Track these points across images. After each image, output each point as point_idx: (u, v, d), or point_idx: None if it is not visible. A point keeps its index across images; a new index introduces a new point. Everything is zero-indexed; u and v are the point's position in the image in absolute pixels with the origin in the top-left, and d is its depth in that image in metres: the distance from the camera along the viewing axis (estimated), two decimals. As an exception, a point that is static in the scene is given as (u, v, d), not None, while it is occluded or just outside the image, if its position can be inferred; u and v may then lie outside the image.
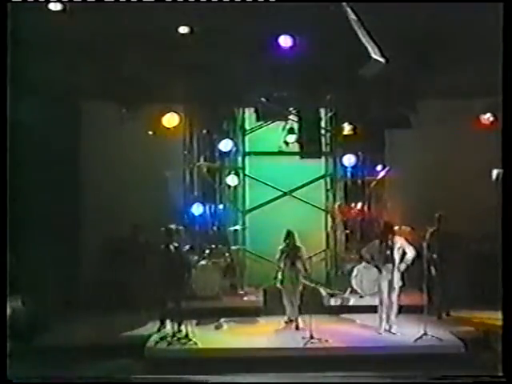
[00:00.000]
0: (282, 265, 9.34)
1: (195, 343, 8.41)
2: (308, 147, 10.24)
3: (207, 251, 10.87)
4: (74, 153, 11.44)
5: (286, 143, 11.53)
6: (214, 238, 11.19)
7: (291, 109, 11.21)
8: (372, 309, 9.62)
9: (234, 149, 11.48)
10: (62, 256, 10.49)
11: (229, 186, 11.57)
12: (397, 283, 9.06)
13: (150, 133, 10.99)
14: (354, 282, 10.70)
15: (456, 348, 8.44)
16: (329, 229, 11.64)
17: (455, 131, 11.27)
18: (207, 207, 11.79)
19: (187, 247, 9.23)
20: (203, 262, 10.70)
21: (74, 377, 7.70)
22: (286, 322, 9.44)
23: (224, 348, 8.51)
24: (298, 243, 9.36)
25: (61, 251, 10.43)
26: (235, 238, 11.64)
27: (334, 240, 11.68)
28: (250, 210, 11.71)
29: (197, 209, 11.82)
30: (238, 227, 11.47)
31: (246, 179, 11.68)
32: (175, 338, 8.51)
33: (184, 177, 11.92)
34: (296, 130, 11.35)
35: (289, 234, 9.36)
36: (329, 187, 11.67)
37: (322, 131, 11.34)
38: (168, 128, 11.14)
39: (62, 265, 10.45)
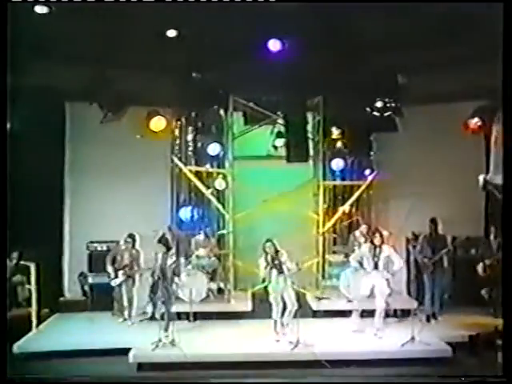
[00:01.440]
0: (268, 277, 8.98)
1: (181, 349, 8.33)
2: (294, 151, 10.21)
3: (194, 256, 10.79)
4: (58, 157, 11.36)
5: (275, 147, 11.55)
6: (201, 242, 11.09)
7: (279, 113, 11.19)
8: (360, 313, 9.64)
9: (222, 153, 11.41)
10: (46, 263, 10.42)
11: (217, 190, 11.50)
12: (383, 290, 9.05)
13: (138, 136, 10.94)
14: (341, 287, 10.67)
15: (443, 353, 8.42)
16: (317, 233, 11.54)
17: (443, 135, 11.31)
18: (195, 212, 11.76)
19: (174, 255, 9.10)
20: (189, 267, 10.63)
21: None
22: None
23: (209, 354, 8.43)
24: (279, 248, 8.96)
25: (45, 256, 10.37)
26: (223, 243, 11.57)
27: (323, 244, 11.63)
28: (238, 215, 11.61)
29: (184, 213, 11.80)
30: (225, 231, 11.40)
31: (234, 183, 11.59)
32: (161, 343, 8.43)
33: (172, 181, 11.91)
34: (284, 134, 11.37)
35: (268, 244, 8.95)
36: (316, 191, 11.60)
37: (310, 135, 11.36)
38: (155, 132, 11.11)
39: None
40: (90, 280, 10.85)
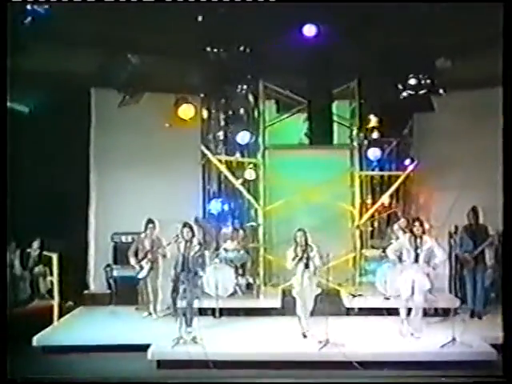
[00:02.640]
0: (294, 269, 8.48)
1: (203, 346, 7.85)
2: (317, 134, 9.61)
3: (221, 249, 10.30)
4: (83, 146, 11.04)
5: (308, 135, 10.91)
6: (229, 235, 10.59)
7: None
8: (397, 311, 8.97)
9: (252, 141, 10.90)
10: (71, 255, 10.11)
11: (247, 181, 10.98)
12: (423, 285, 8.35)
13: (167, 125, 10.55)
14: (378, 283, 10.03)
15: (487, 355, 7.71)
16: (353, 226, 10.91)
17: (486, 122, 10.51)
18: (225, 204, 11.27)
19: (198, 245, 8.52)
20: (217, 261, 10.14)
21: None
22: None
23: (231, 352, 7.93)
24: (310, 242, 8.48)
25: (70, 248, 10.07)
26: (253, 236, 11.06)
27: (359, 238, 11.00)
28: (270, 207, 11.07)
29: (214, 206, 11.33)
30: (255, 224, 10.88)
31: (266, 174, 11.07)
32: (182, 340, 7.97)
33: (203, 172, 11.46)
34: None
35: (300, 233, 8.46)
36: (352, 182, 10.97)
37: (336, 118, 10.76)
38: (184, 120, 10.69)
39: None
40: (115, 273, 10.48)
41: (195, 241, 8.52)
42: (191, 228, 8.62)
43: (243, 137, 10.76)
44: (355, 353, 7.67)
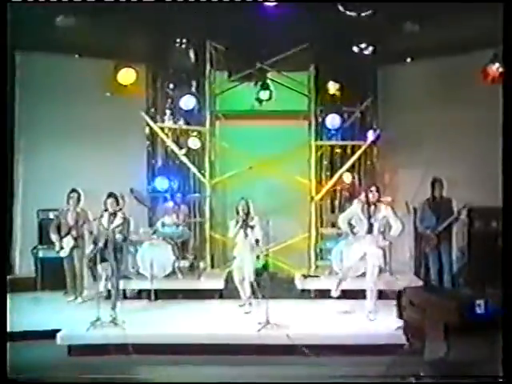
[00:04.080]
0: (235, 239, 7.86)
1: (123, 329, 6.74)
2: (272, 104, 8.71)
3: (159, 223, 9.15)
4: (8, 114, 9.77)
5: (259, 100, 9.85)
6: (170, 209, 9.44)
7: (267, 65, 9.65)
8: (354, 294, 7.94)
9: (198, 108, 9.81)
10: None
11: (192, 152, 9.88)
12: (376, 260, 7.31)
13: (107, 94, 9.43)
14: (333, 262, 8.99)
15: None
16: (309, 201, 9.85)
17: (458, 90, 9.53)
18: (169, 177, 10.13)
19: (123, 218, 7.43)
20: (154, 237, 9.00)
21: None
22: (241, 306, 7.80)
23: (156, 335, 6.82)
24: (252, 213, 7.83)
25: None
26: (200, 212, 9.98)
27: (318, 215, 9.95)
28: (217, 179, 9.99)
29: (158, 179, 10.19)
30: (197, 195, 9.78)
31: (214, 144, 9.99)
32: (99, 323, 6.85)
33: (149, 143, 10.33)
34: (271, 87, 9.76)
35: (242, 202, 7.84)
36: (310, 154, 9.91)
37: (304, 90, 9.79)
38: (125, 86, 9.57)
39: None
40: (41, 254, 9.23)
41: (120, 214, 7.45)
42: (116, 199, 7.54)
43: (187, 102, 9.66)
44: (299, 335, 6.61)
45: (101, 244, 7.32)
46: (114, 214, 7.44)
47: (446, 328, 3.69)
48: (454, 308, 3.66)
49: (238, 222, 7.77)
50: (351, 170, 10.00)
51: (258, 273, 9.70)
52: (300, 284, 8.84)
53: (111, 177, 9.42)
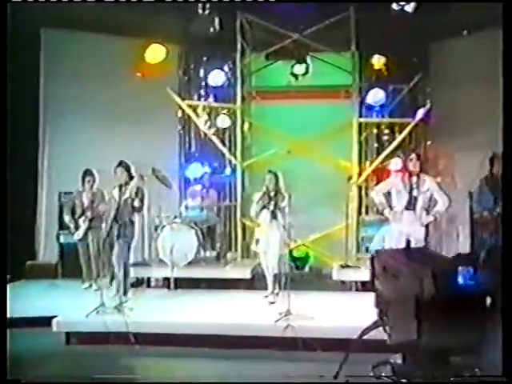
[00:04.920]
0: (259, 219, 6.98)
1: (127, 316, 6.05)
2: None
3: (182, 207, 8.43)
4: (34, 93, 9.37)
5: (295, 75, 9.01)
6: (197, 193, 8.70)
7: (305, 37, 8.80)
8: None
9: (228, 84, 9.06)
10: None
11: (221, 131, 9.12)
12: (419, 241, 6.29)
13: (138, 74, 8.88)
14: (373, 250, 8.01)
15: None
16: (350, 185, 8.90)
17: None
18: (200, 159, 9.43)
19: (135, 188, 6.70)
20: (177, 221, 8.26)
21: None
22: (266, 296, 6.98)
23: (159, 322, 6.11)
24: (283, 190, 6.88)
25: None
26: (229, 196, 9.24)
27: (358, 200, 9.01)
28: (250, 161, 9.20)
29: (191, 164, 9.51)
30: (228, 179, 9.04)
31: (246, 122, 9.22)
32: (101, 309, 6.19)
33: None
34: (308, 60, 8.91)
35: (269, 176, 6.95)
36: (352, 133, 8.97)
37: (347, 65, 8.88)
38: (153, 64, 9.00)
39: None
40: (62, 239, 8.69)
41: (132, 184, 6.71)
42: (127, 168, 6.82)
43: (216, 77, 8.92)
44: (321, 328, 5.75)
45: (110, 220, 6.61)
46: (126, 186, 6.73)
47: (417, 301, 2.74)
48: (429, 275, 2.70)
49: (263, 199, 6.83)
50: (398, 150, 8.97)
51: (297, 266, 8.99)
52: (337, 275, 7.93)
53: (139, 159, 8.83)
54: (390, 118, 9.02)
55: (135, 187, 6.65)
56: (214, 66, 9.32)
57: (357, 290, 7.62)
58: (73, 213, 7.93)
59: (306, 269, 9.04)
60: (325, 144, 9.06)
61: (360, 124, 8.95)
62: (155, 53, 9.06)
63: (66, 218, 7.95)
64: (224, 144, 9.11)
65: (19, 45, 8.34)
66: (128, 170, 6.81)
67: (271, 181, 6.87)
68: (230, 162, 9.14)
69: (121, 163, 6.80)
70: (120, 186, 6.73)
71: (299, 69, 8.85)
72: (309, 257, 9.18)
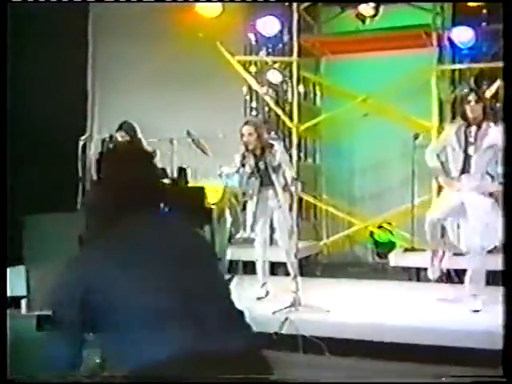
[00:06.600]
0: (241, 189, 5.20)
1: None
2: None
3: (217, 174, 7.17)
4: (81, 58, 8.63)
5: (362, 18, 7.41)
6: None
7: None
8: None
9: (282, 31, 7.68)
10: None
11: (273, 87, 7.72)
12: (481, 213, 4.60)
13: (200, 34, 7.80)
14: (449, 232, 6.29)
15: None
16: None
17: None
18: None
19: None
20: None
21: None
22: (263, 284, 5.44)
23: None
24: (276, 145, 5.13)
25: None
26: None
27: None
28: (307, 124, 7.76)
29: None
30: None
31: (305, 80, 7.83)
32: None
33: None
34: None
35: (246, 128, 5.07)
36: (431, 84, 7.23)
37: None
38: (205, 17, 7.89)
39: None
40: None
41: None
42: (132, 129, 5.75)
43: (267, 25, 7.55)
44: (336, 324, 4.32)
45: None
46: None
47: None
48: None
49: (244, 162, 4.99)
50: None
51: (379, 253, 7.47)
52: (394, 261, 6.31)
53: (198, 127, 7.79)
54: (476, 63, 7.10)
55: None
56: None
57: (418, 279, 5.97)
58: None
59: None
60: (398, 100, 7.42)
61: (442, 72, 7.18)
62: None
63: None
64: (278, 104, 7.74)
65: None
66: (134, 131, 5.77)
67: (249, 134, 5.04)
68: (284, 123, 7.76)
69: (123, 124, 5.77)
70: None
71: (366, 9, 7.24)
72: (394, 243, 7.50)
